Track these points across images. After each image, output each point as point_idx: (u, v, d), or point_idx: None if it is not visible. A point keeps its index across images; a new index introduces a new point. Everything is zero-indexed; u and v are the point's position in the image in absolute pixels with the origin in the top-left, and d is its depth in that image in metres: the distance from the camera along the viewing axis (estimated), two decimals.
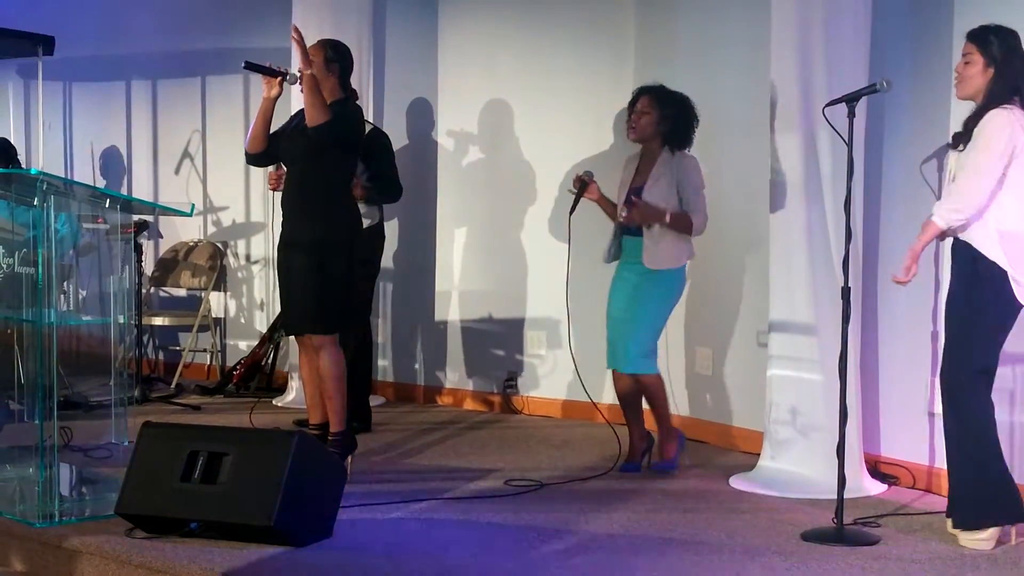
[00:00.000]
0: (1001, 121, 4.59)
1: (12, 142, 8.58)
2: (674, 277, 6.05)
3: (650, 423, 6.29)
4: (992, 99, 4.66)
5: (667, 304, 6.10)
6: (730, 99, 6.65)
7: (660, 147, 6.03)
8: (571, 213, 6.15)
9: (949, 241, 4.89)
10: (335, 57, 5.89)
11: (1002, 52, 4.68)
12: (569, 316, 6.42)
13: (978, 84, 4.72)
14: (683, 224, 5.94)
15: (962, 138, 4.76)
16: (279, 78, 5.83)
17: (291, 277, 5.83)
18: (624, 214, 6.01)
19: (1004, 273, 4.62)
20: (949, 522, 4.92)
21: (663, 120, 5.98)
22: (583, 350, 7.52)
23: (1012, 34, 4.73)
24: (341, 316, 5.84)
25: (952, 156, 4.84)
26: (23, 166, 8.19)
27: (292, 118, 6.08)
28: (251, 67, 5.88)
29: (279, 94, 5.87)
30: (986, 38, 4.72)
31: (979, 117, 4.67)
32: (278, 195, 6.95)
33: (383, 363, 8.40)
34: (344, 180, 5.86)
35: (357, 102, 6.07)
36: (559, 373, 7.72)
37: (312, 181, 5.80)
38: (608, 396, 7.46)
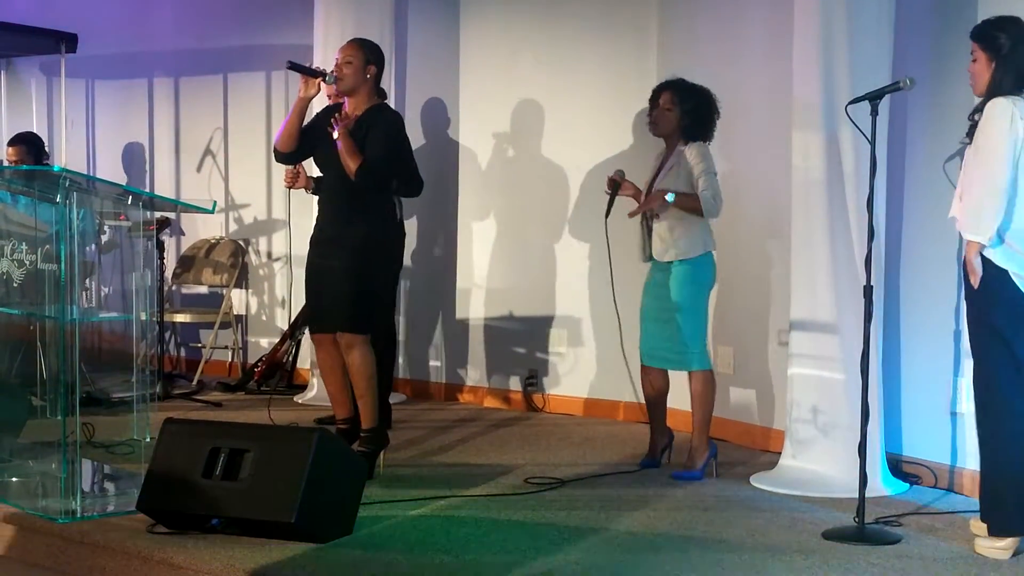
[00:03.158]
0: (997, 111, 4.56)
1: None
2: (695, 266, 5.94)
3: (676, 424, 6.30)
4: (992, 90, 4.65)
5: (697, 294, 5.98)
6: (752, 95, 6.64)
7: (680, 141, 6.01)
8: (607, 216, 6.08)
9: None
10: (373, 59, 5.92)
11: (1007, 43, 4.66)
12: (619, 317, 6.36)
13: (987, 79, 4.71)
14: (689, 203, 5.84)
15: (971, 133, 4.75)
16: (318, 79, 5.87)
17: (327, 276, 5.86)
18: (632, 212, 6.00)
19: (1004, 270, 4.59)
20: (974, 523, 4.90)
21: (684, 115, 5.97)
22: (605, 347, 7.54)
23: (1016, 22, 4.71)
24: (373, 317, 5.91)
25: (968, 151, 4.80)
26: (51, 160, 8.21)
27: (319, 116, 6.09)
28: (294, 67, 5.93)
29: (316, 94, 5.92)
30: (987, 33, 4.72)
31: (980, 110, 4.66)
32: (296, 193, 7.01)
33: (403, 360, 8.40)
34: (386, 189, 5.95)
35: (385, 102, 6.10)
36: (580, 371, 7.71)
37: (351, 186, 5.83)
38: (629, 395, 7.47)
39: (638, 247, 6.12)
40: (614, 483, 5.85)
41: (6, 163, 7.87)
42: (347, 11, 7.84)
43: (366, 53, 5.91)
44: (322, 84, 5.89)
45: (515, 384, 7.96)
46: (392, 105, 7.79)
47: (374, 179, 5.79)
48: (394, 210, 6.11)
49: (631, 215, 6.03)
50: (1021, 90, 4.62)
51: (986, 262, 4.60)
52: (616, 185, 6.08)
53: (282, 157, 6.10)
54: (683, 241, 5.92)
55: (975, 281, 4.61)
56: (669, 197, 5.83)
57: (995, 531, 4.72)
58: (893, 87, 5.08)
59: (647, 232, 6.05)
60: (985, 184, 4.57)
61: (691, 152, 5.93)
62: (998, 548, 4.69)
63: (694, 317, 5.97)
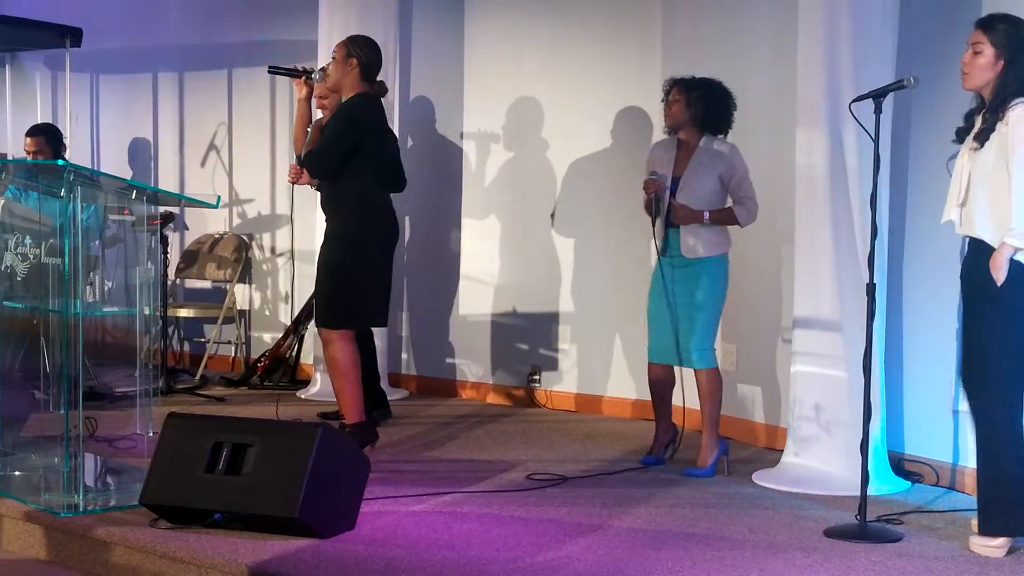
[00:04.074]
0: None
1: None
2: (720, 265, 5.99)
3: (678, 420, 6.29)
4: (1008, 93, 4.57)
5: (718, 294, 6.01)
6: (756, 94, 6.63)
7: (698, 134, 6.01)
8: (653, 224, 6.07)
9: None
10: (354, 52, 6.00)
11: (1014, 43, 4.59)
12: (671, 314, 6.34)
13: (987, 76, 4.64)
14: (726, 219, 5.96)
15: (966, 133, 4.71)
16: (302, 77, 5.99)
17: (317, 271, 6.05)
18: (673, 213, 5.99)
19: None
20: (974, 522, 4.90)
21: (692, 103, 5.96)
22: (608, 343, 7.54)
23: (1023, 24, 4.66)
24: (347, 312, 5.97)
25: (965, 154, 4.74)
26: (66, 150, 8.20)
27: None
28: (275, 71, 6.10)
29: (309, 93, 6.05)
30: (996, 28, 4.62)
31: (994, 113, 4.60)
32: (300, 188, 7.06)
33: (406, 356, 8.41)
34: (356, 181, 5.96)
35: (380, 95, 6.12)
36: (583, 368, 7.71)
37: (329, 182, 6.03)
38: (628, 391, 7.47)
39: (656, 242, 6.09)
40: (616, 480, 5.86)
41: (24, 154, 7.85)
42: (351, 7, 7.83)
43: (349, 48, 6.03)
44: (313, 81, 6.05)
45: (518, 380, 7.95)
46: (396, 102, 7.86)
47: (311, 166, 5.98)
48: (369, 204, 6.07)
49: (674, 222, 6.01)
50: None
51: (1013, 262, 4.56)
52: (659, 190, 6.03)
53: (299, 159, 6.29)
54: (715, 238, 5.96)
55: (1000, 279, 4.58)
56: (705, 217, 5.91)
57: (987, 530, 4.72)
58: (897, 85, 5.07)
59: (664, 227, 6.02)
60: None
61: (726, 156, 5.96)
62: (992, 547, 4.69)
63: (714, 314, 6.02)
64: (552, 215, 7.69)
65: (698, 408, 6.04)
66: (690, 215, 5.92)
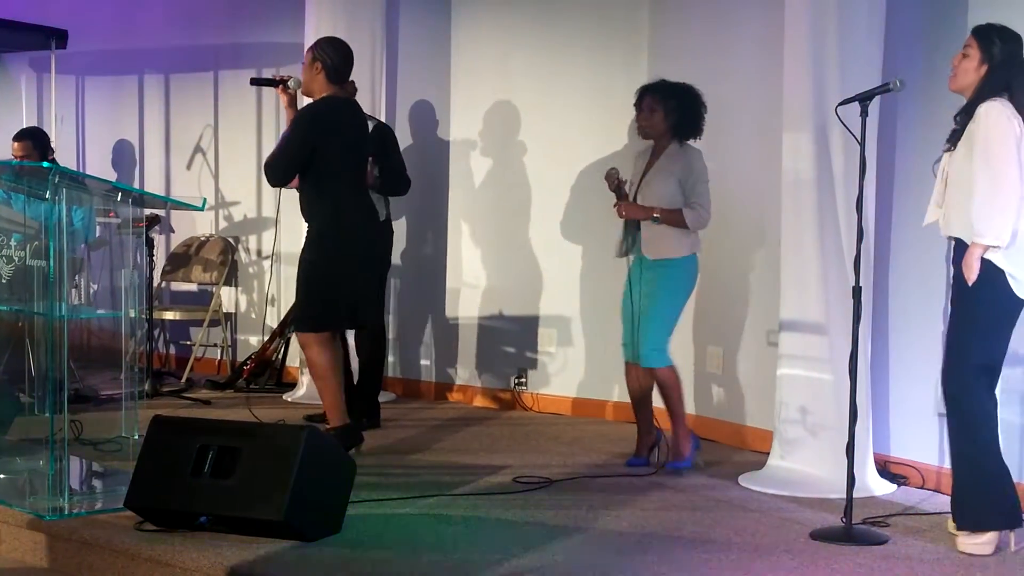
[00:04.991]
0: (993, 113, 4.56)
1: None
2: (680, 267, 6.01)
3: (664, 421, 6.29)
4: (982, 98, 4.64)
5: (676, 295, 6.05)
6: (743, 97, 6.64)
7: (670, 141, 6.05)
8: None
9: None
10: (319, 55, 6.03)
11: (1001, 54, 4.67)
12: (633, 314, 6.35)
13: (970, 80, 4.72)
14: (676, 220, 5.94)
15: (955, 137, 4.74)
16: (281, 87, 6.07)
17: None
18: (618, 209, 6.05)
19: (1001, 270, 4.60)
20: (950, 523, 4.92)
21: (669, 114, 6.01)
22: (594, 347, 7.54)
23: (1016, 39, 4.72)
24: (316, 316, 5.97)
25: (945, 157, 4.80)
26: (54, 153, 8.18)
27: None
28: (257, 83, 6.30)
29: (291, 100, 6.14)
30: (989, 37, 4.71)
31: (969, 113, 4.66)
32: (287, 191, 7.04)
33: (393, 359, 8.39)
34: (326, 184, 5.95)
35: (351, 96, 6.11)
36: (569, 370, 7.71)
37: (302, 188, 6.05)
38: (614, 394, 7.47)
39: (616, 243, 6.14)
40: (602, 483, 5.86)
41: (12, 158, 7.83)
42: (338, 10, 7.82)
43: (314, 52, 6.08)
44: (292, 89, 6.13)
45: (505, 383, 7.95)
46: (383, 104, 7.87)
47: (267, 176, 5.98)
48: (341, 206, 5.99)
49: (620, 216, 6.06)
50: (1002, 94, 4.63)
51: (986, 261, 4.60)
52: (617, 182, 6.10)
53: None
54: (674, 240, 5.97)
55: (971, 280, 4.61)
56: (655, 218, 5.93)
57: (971, 527, 4.74)
58: (883, 89, 5.09)
59: (632, 230, 6.07)
60: (998, 187, 4.54)
61: (685, 158, 5.99)
62: (979, 544, 4.71)
63: (664, 315, 6.03)
64: (559, 221, 7.70)
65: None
66: (640, 211, 5.98)
